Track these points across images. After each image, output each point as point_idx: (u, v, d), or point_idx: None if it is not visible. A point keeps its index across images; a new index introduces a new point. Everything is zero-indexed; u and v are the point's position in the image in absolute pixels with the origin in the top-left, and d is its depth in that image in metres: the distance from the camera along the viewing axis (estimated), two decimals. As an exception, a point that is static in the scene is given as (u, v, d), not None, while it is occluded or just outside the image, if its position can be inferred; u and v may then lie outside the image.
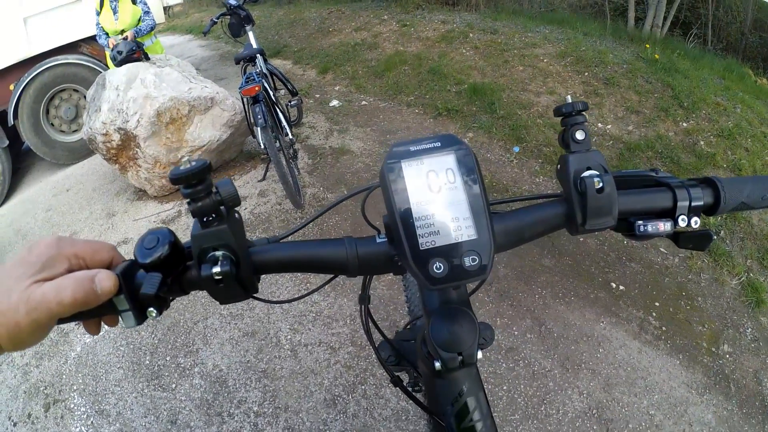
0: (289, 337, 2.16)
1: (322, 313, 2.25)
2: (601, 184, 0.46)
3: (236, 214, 0.46)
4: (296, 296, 0.61)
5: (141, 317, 0.42)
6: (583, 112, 0.48)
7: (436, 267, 0.40)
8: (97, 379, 2.11)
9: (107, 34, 3.78)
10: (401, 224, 0.41)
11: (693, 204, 0.48)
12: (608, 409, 1.80)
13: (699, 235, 0.49)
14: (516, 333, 2.10)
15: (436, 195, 0.42)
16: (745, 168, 3.12)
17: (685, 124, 3.51)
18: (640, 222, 0.48)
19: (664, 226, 0.48)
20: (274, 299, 0.61)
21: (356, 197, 0.60)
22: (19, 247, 3.30)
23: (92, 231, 3.23)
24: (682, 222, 0.48)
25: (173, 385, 2.01)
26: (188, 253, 0.45)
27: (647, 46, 4.84)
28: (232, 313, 2.31)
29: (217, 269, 0.41)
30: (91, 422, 1.93)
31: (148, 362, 2.14)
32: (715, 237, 2.66)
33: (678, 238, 0.50)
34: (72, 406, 2.02)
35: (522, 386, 1.87)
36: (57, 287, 0.37)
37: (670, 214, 0.49)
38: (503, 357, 1.99)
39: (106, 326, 0.46)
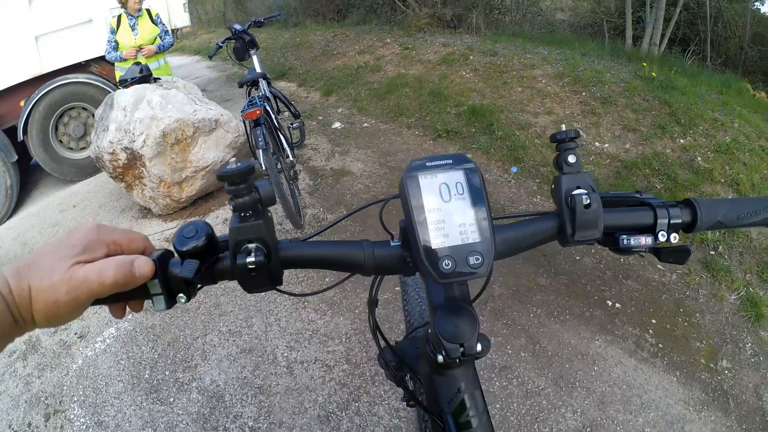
0: (285, 354, 2.18)
1: (319, 332, 2.28)
2: (588, 201, 0.51)
3: (269, 213, 0.51)
4: (316, 290, 0.67)
5: (171, 302, 0.47)
6: (575, 139, 0.54)
7: (445, 264, 0.45)
8: (98, 391, 2.14)
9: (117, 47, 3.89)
10: (417, 226, 0.47)
11: (672, 221, 0.54)
12: (602, 428, 1.79)
13: (678, 249, 0.55)
14: (510, 352, 2.10)
15: (447, 204, 0.48)
16: (743, 182, 3.11)
17: (682, 141, 3.54)
18: (624, 236, 0.54)
19: (645, 240, 0.53)
20: (295, 292, 0.66)
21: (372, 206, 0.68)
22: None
23: (98, 248, 3.27)
24: (661, 237, 0.54)
25: (171, 399, 2.04)
26: (221, 246, 0.50)
27: (645, 64, 4.91)
28: (230, 330, 2.34)
29: (251, 259, 0.47)
30: (90, 434, 1.96)
31: (147, 376, 2.17)
32: (713, 252, 2.66)
33: (659, 252, 0.55)
34: (72, 416, 2.05)
35: (515, 405, 1.87)
36: (99, 269, 0.40)
37: (651, 230, 0.54)
38: (497, 375, 1.99)
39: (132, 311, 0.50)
